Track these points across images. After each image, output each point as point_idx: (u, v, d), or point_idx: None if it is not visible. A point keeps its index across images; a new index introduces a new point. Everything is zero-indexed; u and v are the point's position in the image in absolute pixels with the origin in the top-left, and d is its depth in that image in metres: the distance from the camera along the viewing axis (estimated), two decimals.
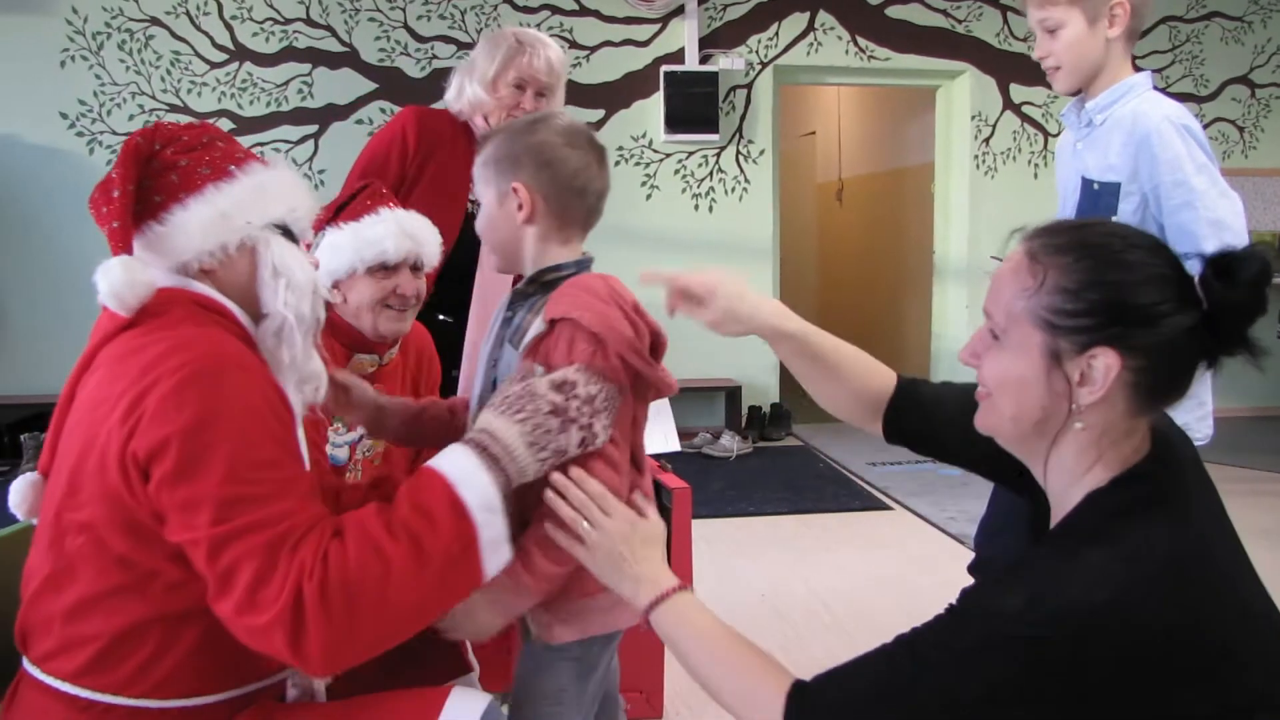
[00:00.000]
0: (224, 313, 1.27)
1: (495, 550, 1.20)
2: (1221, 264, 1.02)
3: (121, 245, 1.21)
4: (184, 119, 5.32)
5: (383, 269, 1.84)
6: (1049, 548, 1.07)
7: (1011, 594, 1.00)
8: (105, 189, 1.24)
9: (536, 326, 1.39)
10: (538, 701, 1.47)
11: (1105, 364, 1.02)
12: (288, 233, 1.34)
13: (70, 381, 1.25)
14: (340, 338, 1.88)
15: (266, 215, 1.30)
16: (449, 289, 2.39)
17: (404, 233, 1.86)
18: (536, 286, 1.45)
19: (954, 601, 1.06)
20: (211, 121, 5.32)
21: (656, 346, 1.43)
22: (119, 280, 1.18)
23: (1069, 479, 1.10)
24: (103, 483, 1.14)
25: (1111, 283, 1.03)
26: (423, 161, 2.42)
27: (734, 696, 1.16)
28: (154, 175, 1.26)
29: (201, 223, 1.25)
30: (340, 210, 1.89)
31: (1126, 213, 1.80)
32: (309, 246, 1.89)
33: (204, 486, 1.09)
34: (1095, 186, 1.84)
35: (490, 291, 2.46)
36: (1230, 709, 0.99)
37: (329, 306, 1.88)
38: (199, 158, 1.28)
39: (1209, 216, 1.74)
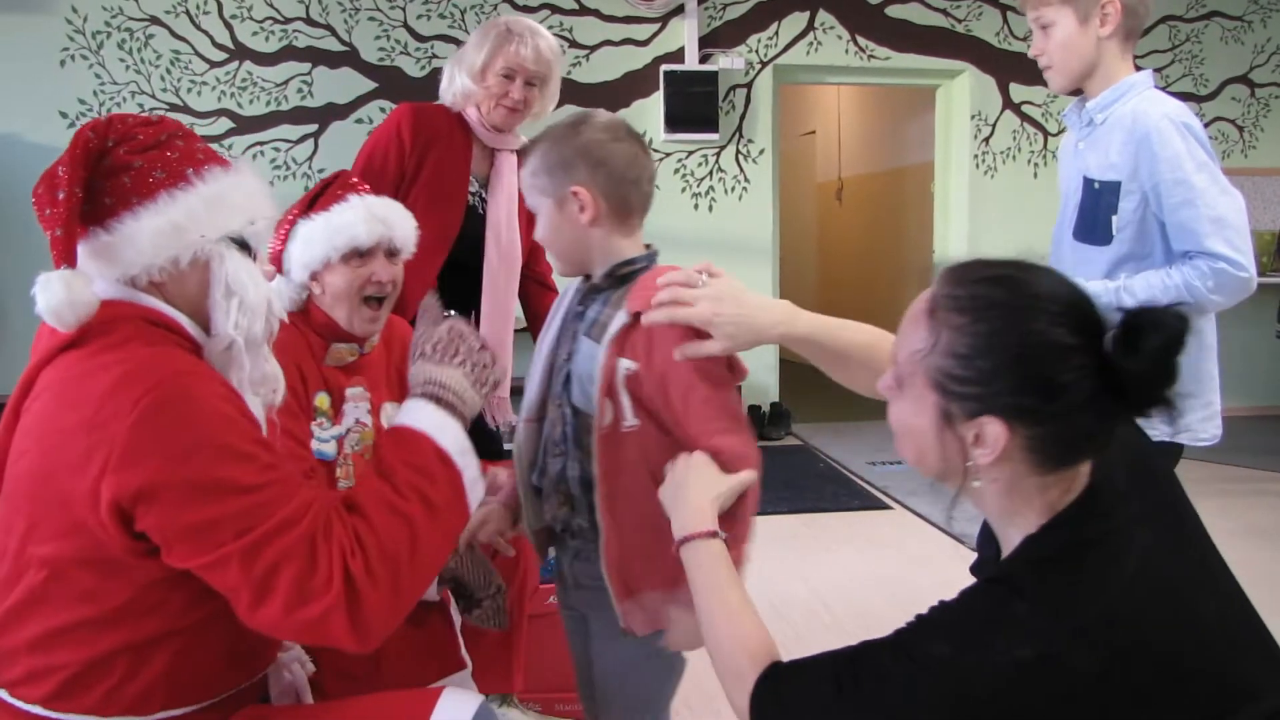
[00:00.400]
0: (173, 327, 1.21)
1: (474, 487, 1.28)
2: (1131, 329, 0.97)
3: (64, 255, 1.13)
4: (184, 118, 5.33)
5: (356, 255, 1.85)
6: (985, 592, 1.04)
7: (944, 640, 0.99)
8: (50, 186, 1.16)
9: (620, 319, 1.41)
10: (628, 694, 1.57)
11: (994, 432, 0.99)
12: (244, 244, 1.27)
13: (12, 403, 1.19)
14: (317, 328, 1.88)
15: (223, 227, 1.23)
16: (453, 283, 2.39)
17: (374, 217, 1.87)
18: (611, 281, 1.48)
19: (915, 617, 1.05)
20: (211, 121, 5.34)
21: None
22: (59, 298, 1.12)
23: (1000, 520, 1.09)
24: (67, 520, 1.10)
25: (1003, 351, 0.99)
26: (420, 157, 2.41)
27: (722, 652, 1.18)
28: (105, 175, 1.19)
29: (153, 234, 1.18)
30: (313, 203, 1.90)
31: (1127, 211, 1.80)
32: (279, 252, 1.90)
33: (214, 509, 1.08)
34: (1096, 185, 1.84)
35: (500, 285, 2.45)
36: None
37: (309, 298, 1.89)
38: (154, 159, 1.20)
39: (1210, 214, 1.73)
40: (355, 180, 1.94)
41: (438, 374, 1.32)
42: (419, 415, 1.28)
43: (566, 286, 1.62)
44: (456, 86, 2.43)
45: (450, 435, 1.27)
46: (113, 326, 1.16)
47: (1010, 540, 1.08)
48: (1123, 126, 1.81)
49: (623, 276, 1.47)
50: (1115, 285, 1.79)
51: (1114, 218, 1.81)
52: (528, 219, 2.54)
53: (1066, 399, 0.97)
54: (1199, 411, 1.87)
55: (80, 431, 1.08)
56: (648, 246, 1.51)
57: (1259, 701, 1.01)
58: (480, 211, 2.47)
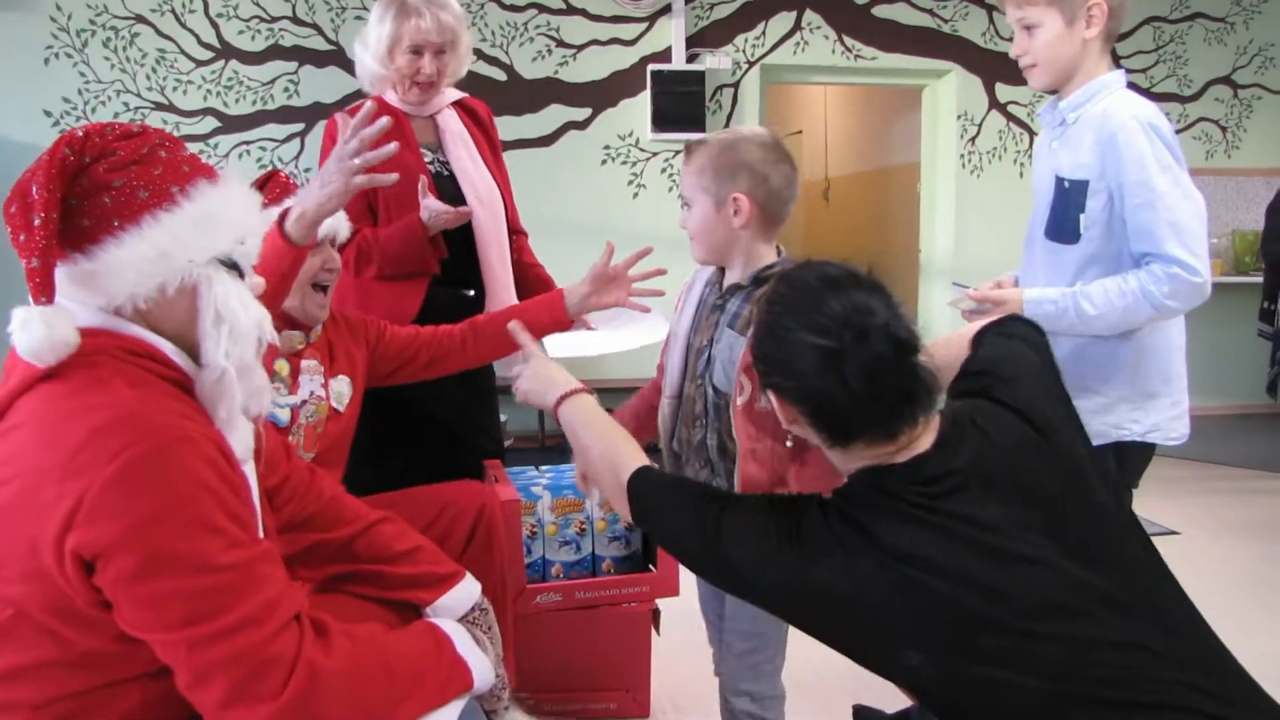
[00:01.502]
0: (158, 358, 1.15)
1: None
2: (831, 353, 1.19)
3: (42, 288, 1.07)
4: (170, 117, 5.31)
5: (308, 248, 1.89)
6: (819, 509, 1.25)
7: (782, 531, 1.22)
8: (25, 207, 1.07)
9: (744, 306, 1.67)
10: (750, 631, 1.75)
11: (773, 403, 1.30)
12: (233, 264, 1.21)
13: None
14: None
15: (211, 250, 1.16)
16: (456, 260, 2.40)
17: None
18: (754, 282, 1.69)
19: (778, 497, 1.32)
20: (196, 120, 5.32)
21: None
22: (39, 339, 1.05)
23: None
24: (33, 565, 1.06)
25: (765, 342, 1.28)
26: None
27: (602, 474, 1.44)
28: (83, 194, 1.11)
29: (138, 262, 1.11)
30: None
31: (1094, 210, 1.81)
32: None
33: (169, 583, 1.04)
34: (1066, 184, 1.85)
35: (491, 232, 2.44)
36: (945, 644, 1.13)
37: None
38: (137, 176, 1.13)
39: (1169, 218, 1.74)
40: (287, 177, 1.99)
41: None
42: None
43: (693, 276, 1.88)
44: (367, 71, 2.40)
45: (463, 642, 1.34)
46: (95, 360, 1.10)
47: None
48: (1093, 126, 1.82)
49: (763, 279, 1.65)
50: (1072, 291, 1.80)
51: (1082, 216, 1.82)
52: (500, 174, 2.53)
53: (804, 384, 1.22)
54: (1167, 411, 1.88)
55: (54, 477, 1.04)
56: (779, 250, 1.75)
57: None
58: (446, 173, 2.44)
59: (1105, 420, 1.84)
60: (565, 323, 2.21)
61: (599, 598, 2.29)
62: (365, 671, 1.16)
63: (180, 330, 1.18)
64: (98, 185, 1.12)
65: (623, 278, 2.21)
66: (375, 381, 2.15)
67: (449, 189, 2.41)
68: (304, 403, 1.94)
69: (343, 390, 2.03)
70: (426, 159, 2.43)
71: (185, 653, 1.06)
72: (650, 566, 2.37)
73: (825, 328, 1.19)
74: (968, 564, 1.13)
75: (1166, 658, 1.11)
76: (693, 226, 1.73)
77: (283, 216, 1.81)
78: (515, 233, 2.61)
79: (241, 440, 1.22)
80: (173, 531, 1.04)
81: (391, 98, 2.43)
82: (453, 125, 2.48)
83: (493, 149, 2.57)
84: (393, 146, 1.78)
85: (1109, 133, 1.78)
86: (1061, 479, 1.23)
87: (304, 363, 1.97)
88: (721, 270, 1.79)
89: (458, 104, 2.53)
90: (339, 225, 2.01)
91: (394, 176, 1.81)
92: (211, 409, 1.18)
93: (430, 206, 2.26)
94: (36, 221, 1.06)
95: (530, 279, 2.59)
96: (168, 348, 1.16)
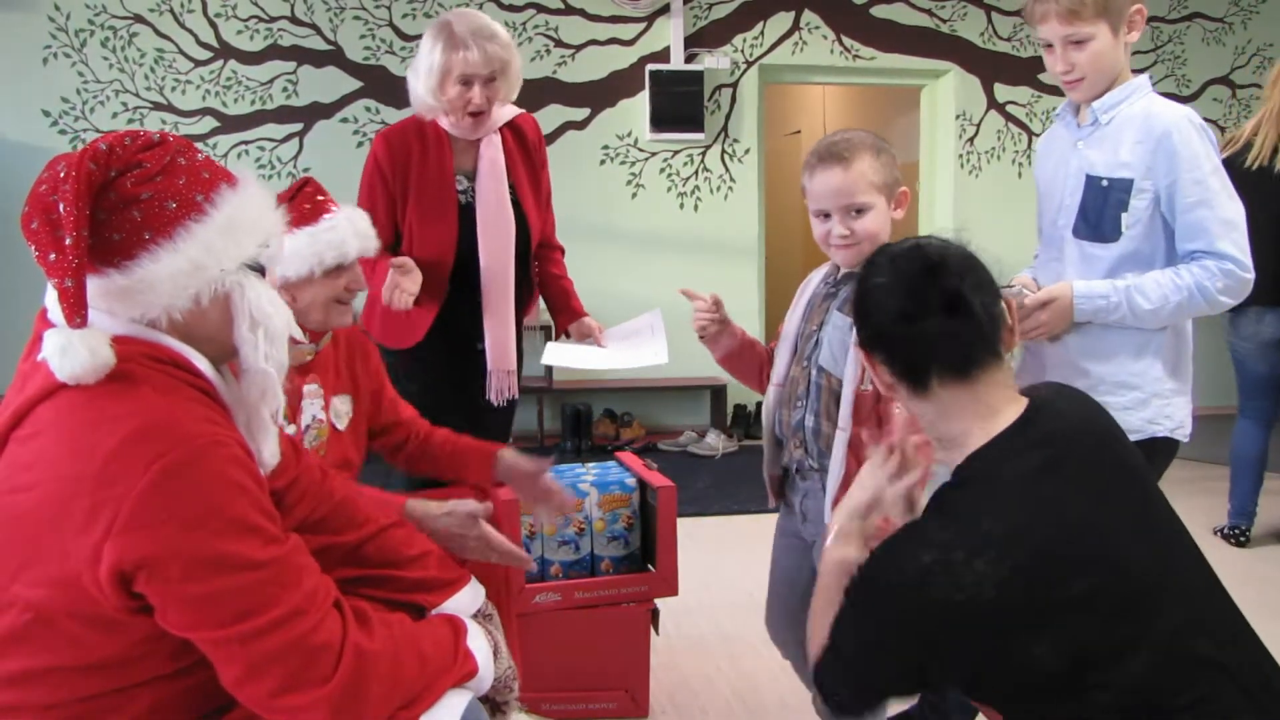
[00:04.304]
0: (182, 364, 1.16)
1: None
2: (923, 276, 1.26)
3: (76, 308, 1.05)
4: (168, 117, 5.31)
5: (338, 268, 1.91)
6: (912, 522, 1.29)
7: (879, 564, 1.23)
8: (50, 224, 1.06)
9: None
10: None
11: (868, 366, 1.35)
12: (259, 267, 1.22)
13: (0, 431, 1.12)
14: None
15: (240, 256, 1.17)
16: (462, 281, 2.44)
17: (358, 232, 1.95)
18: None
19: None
20: (195, 120, 5.32)
21: None
22: (83, 364, 1.06)
23: (940, 455, 1.34)
24: (61, 571, 1.06)
25: (853, 301, 1.36)
26: (404, 181, 2.44)
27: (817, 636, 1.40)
28: (111, 209, 1.10)
29: (173, 275, 1.12)
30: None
31: (1139, 209, 1.83)
32: None
33: (217, 583, 1.07)
34: (1104, 183, 1.86)
35: (498, 266, 2.46)
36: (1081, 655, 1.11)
37: None
38: (164, 188, 1.13)
39: (1222, 216, 1.79)
40: (323, 190, 1.97)
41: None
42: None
43: (810, 275, 1.95)
44: (419, 101, 2.44)
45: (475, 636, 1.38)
46: (122, 368, 1.10)
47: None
48: (1134, 125, 1.84)
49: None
50: (1125, 285, 1.81)
51: (1124, 215, 1.84)
52: (536, 199, 2.56)
53: (880, 327, 1.29)
54: (1186, 408, 1.91)
55: (86, 486, 1.04)
56: None
57: (1157, 624, 1.13)
58: (471, 202, 2.47)
59: (1140, 416, 1.85)
60: (489, 481, 2.10)
61: (598, 598, 2.30)
62: (401, 655, 1.21)
63: (213, 337, 1.19)
64: (126, 199, 1.11)
65: (550, 496, 2.07)
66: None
67: (470, 219, 2.45)
68: (307, 428, 1.93)
69: (343, 408, 2.02)
70: (460, 187, 2.46)
71: (239, 648, 1.08)
72: (649, 566, 2.37)
73: (898, 269, 1.29)
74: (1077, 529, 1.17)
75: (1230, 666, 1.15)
76: (870, 229, 1.76)
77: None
78: (550, 248, 2.67)
79: (271, 446, 1.25)
80: (213, 533, 1.06)
81: (444, 123, 2.46)
82: (491, 154, 2.48)
83: (534, 172, 2.58)
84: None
85: (1160, 132, 1.81)
86: (1136, 465, 1.29)
87: (306, 386, 1.94)
88: (836, 267, 1.88)
89: (508, 125, 2.53)
90: (367, 244, 1.99)
91: None
92: (247, 415, 1.22)
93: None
94: (68, 241, 1.04)
95: (554, 290, 2.66)
96: (193, 355, 1.18)
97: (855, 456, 1.71)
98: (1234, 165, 3.55)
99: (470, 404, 2.51)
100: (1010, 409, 1.26)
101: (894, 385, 1.31)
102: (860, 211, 1.75)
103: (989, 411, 1.25)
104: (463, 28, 2.34)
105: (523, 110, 2.58)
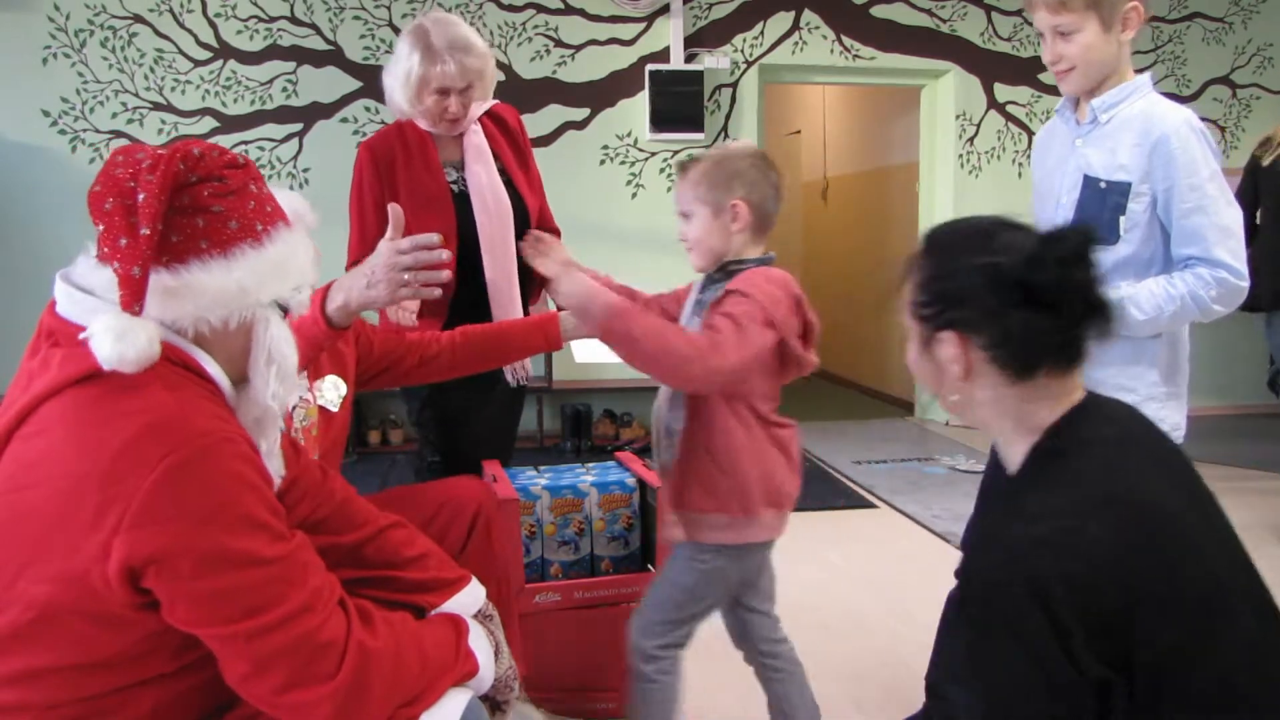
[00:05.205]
0: (193, 367, 1.17)
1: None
2: (1038, 250, 1.15)
3: (136, 296, 1.07)
4: (168, 117, 5.30)
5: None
6: (1002, 502, 1.22)
7: (984, 550, 1.14)
8: (126, 210, 1.08)
9: (714, 292, 1.79)
10: (666, 586, 1.87)
11: (950, 342, 1.20)
12: (284, 308, 1.25)
13: (3, 429, 1.12)
14: None
15: (276, 293, 1.21)
16: (466, 269, 2.42)
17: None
18: (724, 274, 1.83)
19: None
20: (194, 120, 5.32)
21: (808, 334, 1.83)
22: (139, 350, 1.06)
23: (1002, 439, 1.26)
24: (68, 568, 1.07)
25: (947, 277, 1.22)
26: (393, 180, 2.45)
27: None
28: (180, 210, 1.12)
29: (218, 291, 1.14)
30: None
31: (1136, 212, 1.82)
32: None
33: (225, 579, 1.07)
34: (1102, 185, 1.85)
35: (499, 247, 2.46)
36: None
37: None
38: (233, 206, 1.16)
39: (1218, 223, 1.77)
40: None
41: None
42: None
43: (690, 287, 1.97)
44: (396, 107, 2.46)
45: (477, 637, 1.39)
46: None
47: (1013, 460, 1.24)
48: (1132, 128, 1.83)
49: (731, 271, 1.82)
50: (1118, 296, 1.80)
51: (1122, 218, 1.83)
52: (527, 179, 2.59)
53: (995, 309, 1.16)
54: (1180, 410, 1.90)
55: (95, 483, 1.05)
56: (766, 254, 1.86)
57: (1237, 622, 1.09)
58: (466, 191, 2.48)
59: None
60: (557, 344, 2.26)
61: (597, 597, 2.29)
62: (404, 654, 1.22)
63: (230, 360, 1.21)
64: (198, 206, 1.14)
65: None
66: (361, 384, 2.14)
67: (465, 208, 2.45)
68: (295, 408, 1.94)
69: (331, 390, 2.03)
70: (450, 178, 2.47)
71: (245, 644, 1.09)
72: (649, 566, 2.37)
73: (1001, 249, 1.19)
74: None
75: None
76: (693, 236, 1.84)
77: (323, 292, 1.82)
78: (549, 230, 2.66)
79: (275, 465, 1.26)
80: (222, 530, 1.07)
81: (422, 124, 2.47)
82: (475, 141, 2.50)
83: (520, 156, 2.61)
84: (444, 275, 1.80)
85: (1158, 135, 1.79)
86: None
87: None
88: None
89: (487, 114, 2.55)
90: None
91: (436, 292, 1.81)
92: (248, 428, 1.22)
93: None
94: (144, 231, 1.07)
95: None
96: (207, 361, 1.18)
97: (686, 443, 1.80)
98: (1260, 164, 3.56)
99: (480, 394, 2.50)
100: (1077, 392, 1.23)
101: (975, 369, 1.20)
102: (686, 219, 1.86)
103: (1064, 393, 1.21)
104: (440, 40, 2.35)
105: (498, 100, 2.60)
